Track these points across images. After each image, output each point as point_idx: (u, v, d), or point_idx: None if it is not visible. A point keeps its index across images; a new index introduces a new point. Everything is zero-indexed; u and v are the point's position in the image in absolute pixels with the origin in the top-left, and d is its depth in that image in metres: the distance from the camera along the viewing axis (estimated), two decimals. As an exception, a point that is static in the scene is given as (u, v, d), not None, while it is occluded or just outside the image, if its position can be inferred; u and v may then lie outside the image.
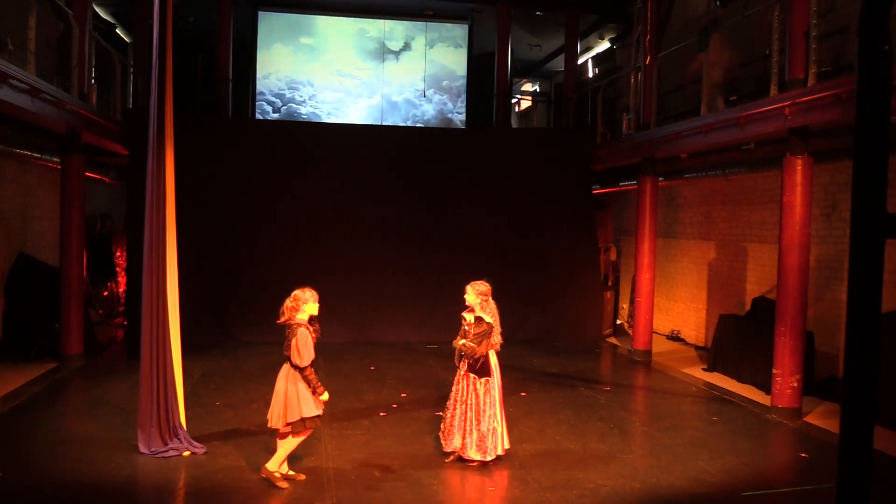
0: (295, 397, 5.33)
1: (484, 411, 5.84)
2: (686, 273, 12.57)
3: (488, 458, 5.85)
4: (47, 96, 7.95)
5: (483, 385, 5.87)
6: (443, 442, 6.03)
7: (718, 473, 5.93)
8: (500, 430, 5.91)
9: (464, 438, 5.86)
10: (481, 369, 5.89)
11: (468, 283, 6.07)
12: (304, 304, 5.47)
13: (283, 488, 5.38)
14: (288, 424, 5.36)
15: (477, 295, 5.92)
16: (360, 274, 11.53)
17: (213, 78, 12.99)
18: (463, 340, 5.90)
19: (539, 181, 12.39)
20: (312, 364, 5.41)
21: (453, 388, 6.03)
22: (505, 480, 5.65)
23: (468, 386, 5.89)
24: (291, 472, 5.59)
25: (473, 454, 5.84)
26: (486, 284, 6.00)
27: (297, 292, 5.51)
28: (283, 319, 5.46)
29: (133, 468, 5.74)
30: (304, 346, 5.34)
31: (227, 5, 13.22)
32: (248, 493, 5.29)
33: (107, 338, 11.26)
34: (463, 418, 5.87)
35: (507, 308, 11.78)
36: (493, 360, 5.98)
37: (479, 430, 5.82)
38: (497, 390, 5.95)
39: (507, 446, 6.01)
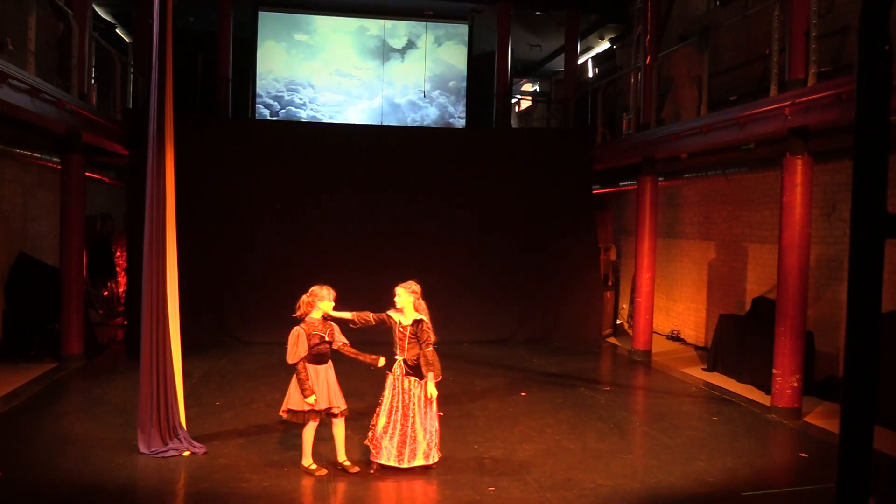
0: (290, 389, 5.60)
1: (426, 414, 5.66)
2: (686, 273, 12.56)
3: (404, 465, 5.62)
4: (47, 96, 7.95)
5: (420, 387, 5.66)
6: (374, 451, 5.68)
7: (718, 473, 5.92)
8: (436, 432, 5.74)
9: (411, 448, 5.63)
10: (418, 369, 5.68)
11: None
12: (319, 301, 5.59)
13: (320, 475, 5.60)
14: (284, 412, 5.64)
15: (410, 294, 5.73)
16: (359, 274, 11.52)
17: (213, 78, 12.99)
18: (407, 354, 5.64)
19: (539, 181, 12.40)
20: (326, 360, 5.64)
21: (387, 394, 5.68)
22: (505, 480, 5.65)
23: (408, 390, 5.64)
24: (347, 463, 5.70)
25: (394, 461, 5.62)
26: (417, 284, 5.83)
27: (314, 288, 5.67)
28: (297, 313, 5.62)
29: (133, 468, 5.74)
30: (292, 345, 5.51)
31: (227, 5, 13.22)
32: (248, 493, 5.29)
33: (107, 338, 11.25)
34: (404, 424, 5.61)
35: (507, 308, 12.09)
36: None
37: (413, 433, 5.60)
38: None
39: (436, 458, 5.75)
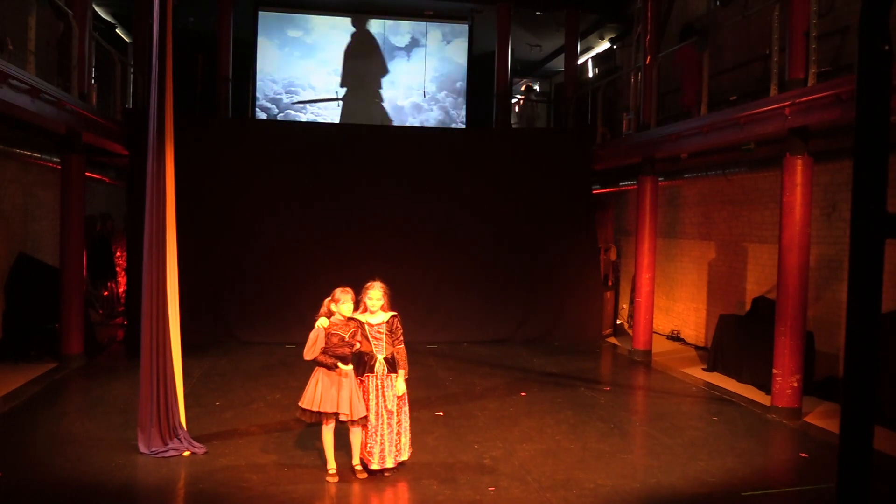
0: (307, 386, 5.55)
1: (401, 409, 5.62)
2: (686, 273, 12.57)
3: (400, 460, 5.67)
4: (47, 96, 7.95)
5: (399, 379, 5.63)
6: (374, 460, 5.56)
7: (718, 473, 5.92)
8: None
9: (398, 446, 5.62)
10: (393, 364, 5.62)
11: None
12: (335, 304, 5.54)
13: (330, 481, 5.50)
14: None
15: (384, 293, 5.62)
16: (358, 274, 11.51)
17: (213, 78, 12.98)
18: (386, 352, 5.57)
19: (539, 181, 12.39)
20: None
21: (371, 398, 5.53)
22: (505, 480, 5.65)
23: (390, 387, 5.56)
24: (359, 468, 5.62)
25: (395, 459, 5.62)
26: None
27: (336, 290, 5.59)
28: (318, 315, 5.55)
29: (133, 468, 5.74)
30: (310, 342, 5.46)
31: (227, 5, 13.22)
32: (248, 493, 5.29)
33: (107, 338, 11.25)
34: (390, 421, 5.57)
35: (507, 308, 12.11)
36: None
37: (399, 429, 5.59)
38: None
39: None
